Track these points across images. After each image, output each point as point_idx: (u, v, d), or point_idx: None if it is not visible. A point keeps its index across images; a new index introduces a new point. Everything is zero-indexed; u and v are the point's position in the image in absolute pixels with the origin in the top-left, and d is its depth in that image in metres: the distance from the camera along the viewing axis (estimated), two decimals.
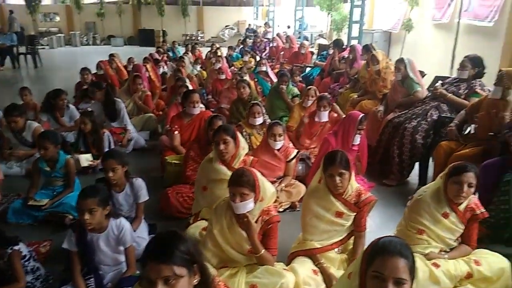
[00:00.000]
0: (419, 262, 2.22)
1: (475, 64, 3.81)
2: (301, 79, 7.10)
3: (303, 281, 2.18)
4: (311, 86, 5.04)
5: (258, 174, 2.19)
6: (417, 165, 3.89)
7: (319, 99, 4.16)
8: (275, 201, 3.24)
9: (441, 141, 3.54)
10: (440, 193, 2.33)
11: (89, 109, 4.50)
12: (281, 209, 3.31)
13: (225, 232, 2.16)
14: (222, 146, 2.69)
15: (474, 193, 2.36)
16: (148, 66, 6.58)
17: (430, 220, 2.32)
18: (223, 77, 6.37)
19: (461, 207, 2.31)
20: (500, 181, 2.73)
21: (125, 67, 7.38)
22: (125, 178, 2.72)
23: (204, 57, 9.68)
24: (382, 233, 1.43)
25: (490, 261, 2.27)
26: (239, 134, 2.84)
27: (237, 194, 2.06)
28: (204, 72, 7.78)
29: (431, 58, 9.54)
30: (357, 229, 2.40)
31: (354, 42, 8.28)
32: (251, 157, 2.93)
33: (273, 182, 3.41)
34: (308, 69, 7.98)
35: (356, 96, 5.29)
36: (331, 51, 7.11)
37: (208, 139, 3.18)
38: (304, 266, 2.28)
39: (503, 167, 2.83)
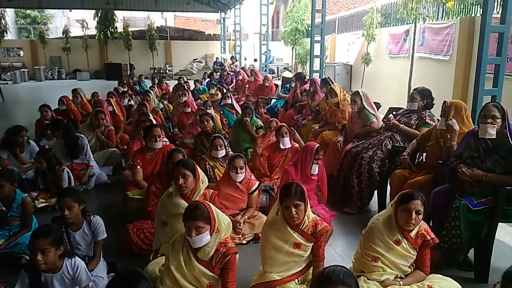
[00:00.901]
0: None
1: (424, 96, 4.05)
2: (266, 111, 7.29)
3: None
4: (272, 119, 5.20)
5: (212, 206, 2.22)
6: (376, 192, 4.03)
7: (277, 129, 4.30)
8: (238, 233, 3.30)
9: (395, 169, 3.71)
10: (391, 220, 2.43)
11: (47, 146, 4.43)
12: (244, 241, 3.32)
13: (183, 268, 2.15)
14: (181, 181, 2.71)
15: (425, 220, 2.48)
16: (112, 100, 6.57)
17: (383, 247, 2.40)
18: (188, 110, 6.43)
19: (412, 234, 2.41)
20: (450, 207, 2.88)
21: (89, 101, 7.33)
22: (82, 216, 2.68)
23: (171, 90, 9.76)
24: (344, 261, 1.50)
25: (442, 285, 2.36)
26: (198, 168, 2.87)
27: (192, 227, 2.08)
28: (171, 106, 7.82)
29: (389, 89, 10.05)
30: (315, 259, 2.45)
31: (316, 75, 8.62)
32: (211, 191, 2.96)
33: (236, 214, 3.45)
34: (273, 101, 8.19)
35: (317, 127, 5.46)
36: (293, 84, 7.35)
37: (168, 173, 3.19)
38: None
39: (452, 193, 2.99)
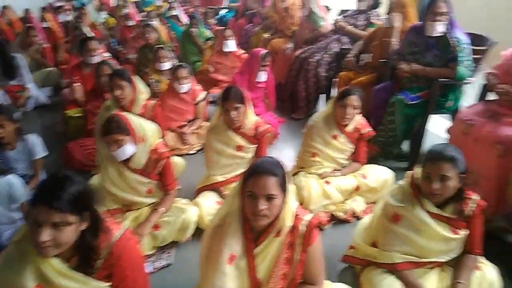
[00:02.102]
0: (313, 182, 2.43)
1: None
2: (216, 21, 6.93)
3: (207, 213, 2.28)
4: (225, 27, 4.96)
5: (131, 116, 2.15)
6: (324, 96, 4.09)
7: (221, 31, 4.26)
8: (185, 144, 3.31)
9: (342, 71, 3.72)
10: (329, 117, 2.50)
11: None
12: (192, 152, 3.35)
13: (117, 181, 2.14)
14: (118, 92, 2.61)
15: (366, 117, 2.57)
16: (46, 16, 5.98)
17: (321, 143, 2.49)
18: (131, 23, 6.00)
19: (349, 128, 2.50)
20: (387, 103, 2.98)
21: (22, 19, 6.64)
22: (17, 135, 2.56)
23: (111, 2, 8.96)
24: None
25: (375, 174, 2.53)
26: (135, 79, 2.75)
27: (111, 142, 2.01)
28: (112, 20, 7.25)
29: None
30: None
31: None
32: (153, 102, 2.88)
33: (183, 126, 3.43)
34: (224, 11, 7.78)
35: (267, 35, 5.29)
36: None
37: (100, 88, 3.04)
38: (208, 199, 2.38)
39: (391, 90, 3.07)
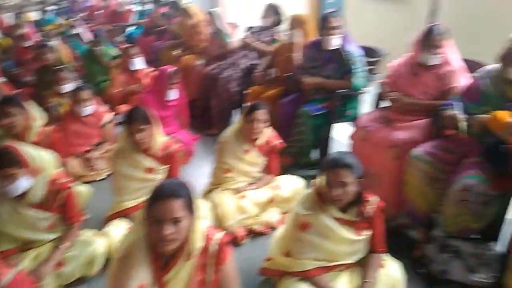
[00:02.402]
0: (228, 198, 2.43)
1: (275, 11, 4.13)
2: (124, 39, 6.69)
3: (118, 242, 2.14)
4: (132, 45, 4.79)
5: (24, 146, 1.97)
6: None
7: (124, 50, 4.20)
8: (93, 170, 3.11)
9: (252, 86, 3.81)
10: (239, 132, 2.53)
11: None
12: (100, 178, 3.15)
13: (11, 219, 1.94)
14: (6, 121, 2.37)
15: (276, 129, 2.64)
16: None
17: (234, 158, 2.51)
18: (28, 44, 5.53)
19: (259, 142, 2.55)
20: (295, 115, 3.10)
21: None
22: None
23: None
24: None
25: (288, 184, 2.61)
26: (30, 104, 2.52)
27: (2, 177, 1.82)
28: (7, 40, 6.63)
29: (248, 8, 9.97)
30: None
31: None
32: (49, 128, 2.66)
33: (89, 151, 3.22)
34: (132, 27, 7.55)
35: (177, 52, 5.24)
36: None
37: None
38: (119, 227, 2.25)
39: (298, 102, 3.21)
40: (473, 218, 1.97)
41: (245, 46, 4.15)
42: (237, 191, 2.48)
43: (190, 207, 1.40)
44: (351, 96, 3.13)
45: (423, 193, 2.19)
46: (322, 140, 3.13)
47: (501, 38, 2.06)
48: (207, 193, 2.57)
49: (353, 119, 3.08)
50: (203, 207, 2.31)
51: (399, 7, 5.77)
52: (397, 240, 2.29)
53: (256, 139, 2.51)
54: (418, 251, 2.19)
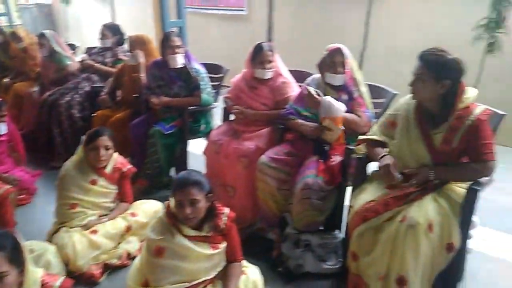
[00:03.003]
0: (76, 236, 2.20)
1: (114, 31, 3.96)
2: None
3: None
4: None
5: None
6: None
7: None
8: None
9: (98, 111, 3.57)
10: (82, 163, 2.33)
11: None
12: None
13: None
14: None
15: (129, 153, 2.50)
16: None
17: (79, 192, 2.29)
18: None
19: (108, 170, 2.39)
20: (147, 136, 3.01)
21: None
22: None
23: None
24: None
25: (144, 208, 2.48)
26: None
27: None
28: None
29: (93, 30, 9.46)
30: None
31: (1, 19, 7.13)
32: None
33: None
34: None
35: (7, 80, 4.60)
36: None
37: None
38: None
39: (149, 122, 3.12)
40: (316, 212, 2.19)
41: (86, 68, 3.87)
42: (87, 226, 2.26)
43: (15, 259, 1.23)
44: (203, 112, 3.19)
45: (273, 196, 2.34)
46: (178, 158, 3.10)
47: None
48: (53, 234, 2.29)
49: (207, 134, 3.14)
50: (48, 252, 2.06)
51: (239, 24, 6.19)
52: (257, 244, 2.41)
53: (103, 167, 2.35)
54: (275, 251, 2.32)
